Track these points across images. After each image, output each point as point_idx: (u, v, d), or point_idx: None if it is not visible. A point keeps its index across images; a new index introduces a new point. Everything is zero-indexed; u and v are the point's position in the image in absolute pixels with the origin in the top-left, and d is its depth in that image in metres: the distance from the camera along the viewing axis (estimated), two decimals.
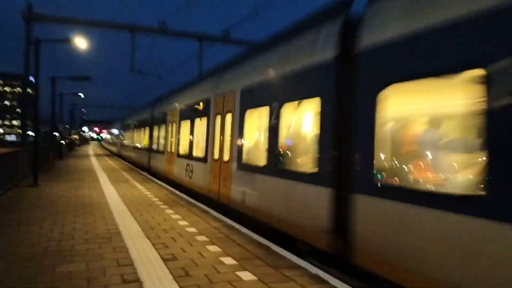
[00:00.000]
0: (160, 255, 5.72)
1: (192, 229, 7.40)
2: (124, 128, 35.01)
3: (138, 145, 25.35)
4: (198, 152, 11.77)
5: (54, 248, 5.97)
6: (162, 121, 17.77)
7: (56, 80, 26.19)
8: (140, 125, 24.95)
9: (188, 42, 26.55)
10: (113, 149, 47.76)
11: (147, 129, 21.63)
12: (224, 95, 9.92)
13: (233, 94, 9.24)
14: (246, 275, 4.94)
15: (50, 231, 7.04)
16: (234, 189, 8.79)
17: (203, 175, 11.02)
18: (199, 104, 11.98)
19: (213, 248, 6.15)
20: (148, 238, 6.66)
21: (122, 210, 9.15)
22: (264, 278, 4.85)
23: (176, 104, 15.14)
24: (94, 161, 28.63)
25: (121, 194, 11.72)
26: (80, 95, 43.05)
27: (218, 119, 10.14)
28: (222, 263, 5.43)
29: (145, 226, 7.59)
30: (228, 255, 5.82)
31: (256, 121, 8.57)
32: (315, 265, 5.47)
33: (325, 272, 5.17)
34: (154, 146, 19.43)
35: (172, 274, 4.90)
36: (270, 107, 7.33)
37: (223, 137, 9.74)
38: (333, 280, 4.82)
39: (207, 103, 11.22)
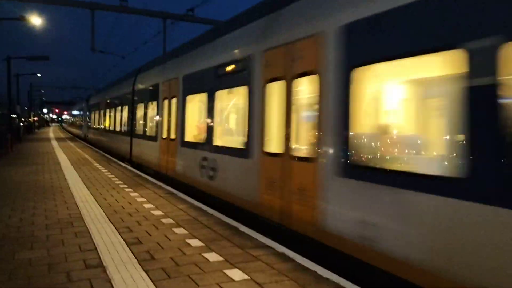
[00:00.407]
0: (124, 239, 5.61)
1: (157, 212, 7.30)
2: (92, 108, 31.52)
3: (114, 128, 20.78)
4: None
5: (12, 235, 5.75)
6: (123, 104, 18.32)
7: (11, 60, 24.94)
8: (115, 105, 20.47)
9: (152, 21, 25.83)
10: (76, 131, 44.84)
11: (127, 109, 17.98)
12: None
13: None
14: (213, 256, 4.94)
15: (8, 217, 6.77)
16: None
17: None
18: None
19: (179, 231, 6.10)
20: (112, 222, 6.52)
21: (84, 194, 8.91)
22: (231, 259, 4.85)
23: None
24: (56, 148, 23.03)
25: (83, 177, 11.41)
26: (38, 76, 41.28)
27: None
28: (189, 245, 5.40)
29: (108, 210, 7.43)
30: (195, 237, 5.79)
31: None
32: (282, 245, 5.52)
33: (291, 250, 5.23)
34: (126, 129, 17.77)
35: (136, 258, 4.82)
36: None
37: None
38: (298, 258, 4.89)
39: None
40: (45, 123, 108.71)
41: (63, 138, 25.11)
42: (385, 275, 4.21)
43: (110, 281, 4.10)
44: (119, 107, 18.71)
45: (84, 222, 6.49)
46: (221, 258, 4.88)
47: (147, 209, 7.50)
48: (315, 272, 4.45)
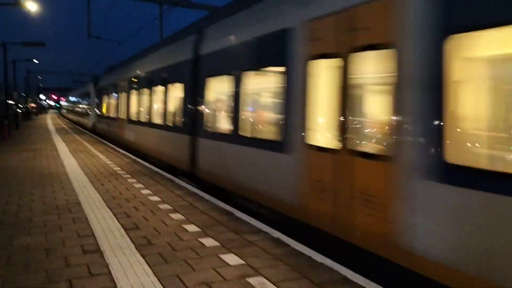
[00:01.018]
0: (121, 224, 5.67)
1: (155, 198, 7.36)
2: (104, 91, 22.71)
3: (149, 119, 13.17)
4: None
5: (10, 220, 5.80)
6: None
7: (8, 46, 24.75)
8: (153, 84, 12.84)
9: (148, 7, 25.56)
10: (79, 120, 37.46)
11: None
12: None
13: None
14: (209, 242, 5.00)
15: (6, 203, 6.82)
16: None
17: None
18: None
19: (176, 216, 6.16)
20: (110, 208, 6.58)
21: (82, 180, 8.95)
22: (226, 244, 4.92)
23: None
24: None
25: (81, 164, 11.43)
26: (35, 62, 41.00)
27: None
28: (185, 230, 5.46)
29: (106, 196, 7.48)
30: (191, 222, 5.85)
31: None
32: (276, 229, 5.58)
33: (286, 236, 5.30)
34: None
35: (134, 243, 4.88)
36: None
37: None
38: (293, 243, 4.95)
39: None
40: (43, 109, 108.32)
41: (65, 130, 22.43)
42: (373, 256, 4.24)
43: (107, 266, 4.16)
44: (162, 88, 11.68)
45: (82, 208, 6.54)
46: (217, 243, 4.94)
47: (144, 195, 7.55)
48: (310, 257, 4.51)
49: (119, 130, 17.65)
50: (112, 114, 19.26)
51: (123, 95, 16.86)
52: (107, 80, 22.22)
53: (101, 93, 23.60)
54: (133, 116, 15.15)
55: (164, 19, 23.58)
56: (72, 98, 52.13)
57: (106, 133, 20.90)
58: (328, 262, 4.35)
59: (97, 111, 25.11)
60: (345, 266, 4.32)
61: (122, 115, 16.97)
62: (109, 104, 20.56)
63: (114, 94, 19.17)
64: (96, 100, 25.67)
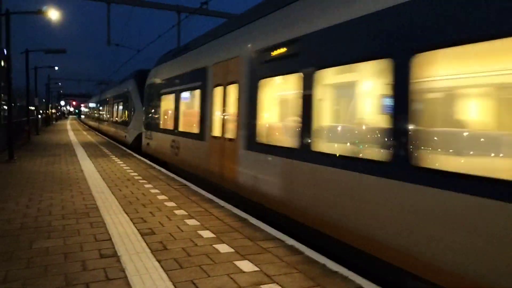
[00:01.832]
0: (138, 229, 5.75)
1: (170, 204, 7.43)
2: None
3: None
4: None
5: (30, 224, 5.93)
6: None
7: (30, 53, 25.35)
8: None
9: (166, 15, 25.95)
10: (106, 129, 30.60)
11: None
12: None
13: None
14: (224, 248, 5.03)
15: (27, 207, 6.98)
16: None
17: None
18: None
19: (191, 222, 6.21)
20: (126, 213, 6.67)
21: (100, 185, 9.10)
22: (241, 250, 4.94)
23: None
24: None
25: (99, 169, 11.62)
26: (55, 69, 41.87)
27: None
28: (200, 236, 5.50)
29: (123, 201, 7.58)
30: (206, 228, 5.89)
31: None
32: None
33: (301, 243, 5.30)
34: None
35: (150, 248, 4.95)
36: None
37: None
38: (308, 251, 4.95)
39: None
40: (62, 115, 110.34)
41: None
42: (396, 271, 4.24)
43: (123, 270, 4.23)
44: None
45: (100, 213, 6.65)
46: (231, 250, 4.96)
47: (160, 200, 7.63)
48: (324, 265, 4.50)
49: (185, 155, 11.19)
50: (195, 127, 10.58)
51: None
52: (170, 72, 13.42)
53: (156, 93, 14.78)
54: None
55: (182, 27, 23.87)
56: (95, 102, 42.60)
57: (183, 163, 11.40)
58: (343, 270, 4.33)
59: (149, 121, 15.98)
60: (361, 275, 4.30)
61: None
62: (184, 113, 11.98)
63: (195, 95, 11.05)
64: (141, 105, 18.79)
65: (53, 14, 15.45)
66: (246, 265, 4.46)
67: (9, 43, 14.60)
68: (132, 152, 17.04)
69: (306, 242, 5.50)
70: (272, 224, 6.41)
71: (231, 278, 4.09)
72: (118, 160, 14.19)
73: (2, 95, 26.88)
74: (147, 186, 9.19)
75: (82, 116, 70.28)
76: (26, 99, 26.14)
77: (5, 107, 29.30)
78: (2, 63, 31.55)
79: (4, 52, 20.10)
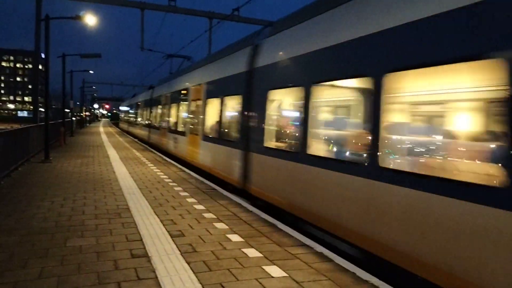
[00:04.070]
0: (168, 231, 5.82)
1: (200, 207, 7.49)
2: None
3: None
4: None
5: (64, 223, 6.10)
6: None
7: (66, 57, 26.25)
8: None
9: (198, 21, 26.32)
10: (157, 139, 21.49)
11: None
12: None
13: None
14: (252, 252, 5.03)
15: (61, 206, 7.19)
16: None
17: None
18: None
19: (220, 226, 6.24)
20: (157, 215, 6.77)
21: (131, 187, 9.28)
22: (269, 256, 4.92)
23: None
24: None
25: (130, 171, 11.86)
26: (90, 72, 43.10)
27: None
28: (229, 240, 5.52)
29: (154, 203, 7.70)
30: (235, 232, 5.91)
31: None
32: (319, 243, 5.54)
33: (330, 250, 5.24)
34: None
35: (179, 250, 5.00)
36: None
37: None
38: (337, 259, 4.88)
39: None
40: (96, 118, 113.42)
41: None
42: (424, 281, 4.13)
43: (154, 271, 4.29)
44: None
45: (131, 213, 6.78)
46: (260, 254, 4.96)
47: (189, 203, 7.71)
48: (354, 273, 4.43)
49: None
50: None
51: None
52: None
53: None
54: None
55: (213, 33, 24.16)
56: (137, 101, 35.08)
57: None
58: (374, 280, 4.25)
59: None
60: (392, 285, 4.20)
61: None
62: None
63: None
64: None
65: (90, 20, 15.93)
66: (274, 270, 4.44)
67: (48, 47, 15.15)
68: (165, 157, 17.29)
69: (336, 250, 5.42)
70: (300, 230, 6.36)
71: (260, 283, 4.08)
72: (149, 162, 14.44)
73: (39, 97, 27.84)
74: (176, 188, 9.31)
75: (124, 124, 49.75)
76: (62, 102, 27.01)
77: (42, 109, 30.32)
78: (40, 67, 32.66)
79: (42, 56, 20.87)
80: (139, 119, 32.34)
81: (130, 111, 41.52)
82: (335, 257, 4.95)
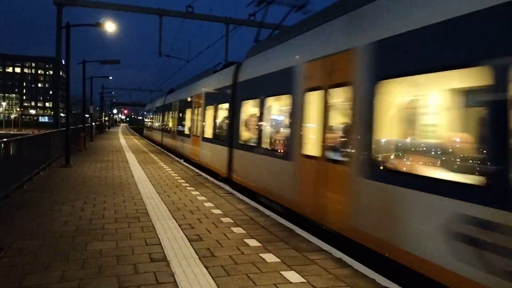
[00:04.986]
0: (186, 235, 5.86)
1: (217, 211, 7.52)
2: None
3: None
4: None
5: (85, 226, 6.20)
6: None
7: (86, 63, 26.74)
8: None
9: (215, 26, 26.51)
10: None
11: None
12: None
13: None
14: (270, 257, 5.02)
15: (82, 210, 7.30)
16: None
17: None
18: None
19: (237, 230, 6.25)
20: (175, 219, 6.82)
21: (149, 191, 9.38)
22: (287, 261, 4.91)
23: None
24: None
25: (148, 175, 11.98)
26: (109, 78, 43.84)
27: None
28: (247, 245, 5.52)
29: (172, 207, 7.77)
30: (252, 237, 5.91)
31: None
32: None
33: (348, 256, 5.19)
34: None
35: (197, 254, 5.03)
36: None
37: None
38: (356, 265, 4.84)
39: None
40: (114, 123, 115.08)
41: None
42: None
43: (173, 275, 4.32)
44: None
45: (150, 218, 6.84)
46: (278, 259, 4.94)
47: (207, 208, 7.75)
48: (374, 280, 4.38)
49: None
50: None
51: None
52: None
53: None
54: None
55: (230, 37, 24.32)
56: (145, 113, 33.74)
57: None
58: (394, 286, 4.20)
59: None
60: None
61: None
62: None
63: None
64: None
65: (109, 27, 16.21)
66: (292, 276, 4.42)
67: (69, 54, 15.46)
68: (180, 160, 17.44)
69: (355, 256, 5.37)
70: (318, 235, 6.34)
71: None
72: (166, 166, 14.57)
73: (60, 103, 28.39)
74: (194, 193, 9.36)
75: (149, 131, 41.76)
76: (82, 107, 27.50)
77: (62, 114, 30.82)
78: (61, 73, 33.27)
79: (63, 63, 21.31)
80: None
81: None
82: (354, 263, 4.91)
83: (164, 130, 26.20)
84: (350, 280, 4.36)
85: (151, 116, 39.33)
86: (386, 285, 4.24)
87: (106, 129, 62.26)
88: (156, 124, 33.79)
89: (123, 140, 33.65)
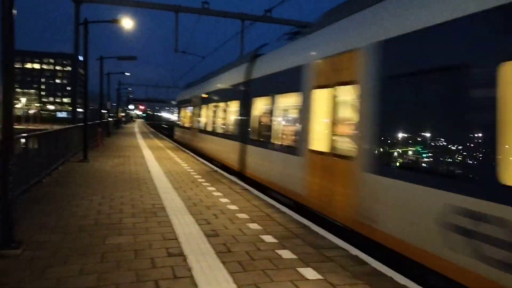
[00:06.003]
0: (202, 230, 5.89)
1: (233, 207, 7.54)
2: None
3: None
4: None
5: (103, 221, 6.28)
6: None
7: (103, 59, 27.04)
8: None
9: (230, 23, 26.49)
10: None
11: None
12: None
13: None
14: (286, 254, 5.01)
15: (99, 204, 7.40)
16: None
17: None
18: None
19: (253, 226, 6.26)
20: (191, 214, 6.86)
21: (166, 186, 9.45)
22: (304, 258, 4.89)
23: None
24: None
25: (165, 170, 12.07)
26: (126, 74, 44.26)
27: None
28: (263, 241, 5.52)
29: (188, 202, 7.81)
30: (269, 233, 5.91)
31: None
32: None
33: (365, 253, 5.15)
34: None
35: (214, 250, 5.05)
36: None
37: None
38: (374, 263, 4.80)
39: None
40: (131, 118, 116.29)
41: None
42: None
43: (190, 270, 4.35)
44: None
45: (166, 212, 6.90)
46: (294, 256, 4.93)
47: (223, 203, 7.77)
48: (391, 278, 4.34)
49: None
50: None
51: None
52: None
53: None
54: None
55: (246, 34, 24.30)
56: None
57: None
58: (412, 285, 4.15)
59: None
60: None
61: None
62: None
63: None
64: None
65: (126, 23, 16.33)
66: (309, 273, 4.41)
67: (87, 50, 15.65)
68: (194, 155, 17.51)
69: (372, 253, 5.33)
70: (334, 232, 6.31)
71: (295, 285, 4.06)
72: (182, 162, 14.66)
73: (78, 99, 28.81)
74: (209, 188, 9.40)
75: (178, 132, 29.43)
76: (100, 103, 27.82)
77: (79, 110, 31.26)
78: (80, 69, 33.79)
79: (80, 59, 21.59)
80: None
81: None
82: (371, 261, 4.87)
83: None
84: (367, 278, 4.32)
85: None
86: (404, 283, 4.20)
87: (123, 125, 62.86)
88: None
89: (139, 135, 33.83)
